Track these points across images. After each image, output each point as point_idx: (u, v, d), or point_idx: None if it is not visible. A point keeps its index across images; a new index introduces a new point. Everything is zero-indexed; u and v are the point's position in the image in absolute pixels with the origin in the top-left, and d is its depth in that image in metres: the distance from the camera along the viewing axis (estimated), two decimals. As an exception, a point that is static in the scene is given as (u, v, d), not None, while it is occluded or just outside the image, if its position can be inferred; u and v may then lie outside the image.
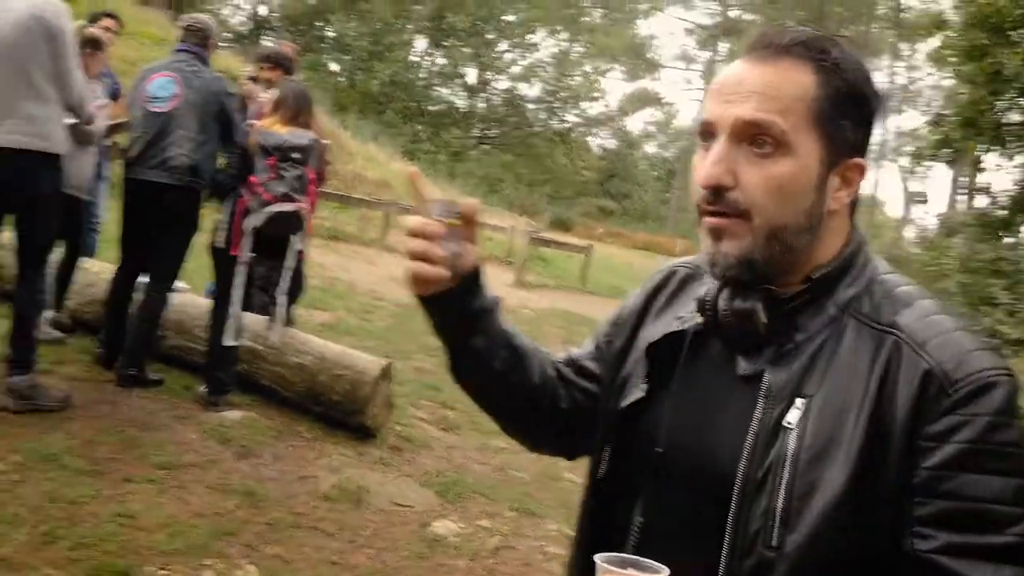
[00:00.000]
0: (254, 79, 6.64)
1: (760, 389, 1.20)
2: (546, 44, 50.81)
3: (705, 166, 1.20)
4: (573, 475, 5.82)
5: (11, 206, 4.72)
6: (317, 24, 49.00)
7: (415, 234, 1.30)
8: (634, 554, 1.19)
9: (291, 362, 5.72)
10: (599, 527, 1.39)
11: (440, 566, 4.23)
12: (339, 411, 5.61)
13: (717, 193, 1.19)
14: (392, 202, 18.94)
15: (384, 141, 29.43)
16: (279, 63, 6.40)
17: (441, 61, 50.85)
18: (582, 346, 1.59)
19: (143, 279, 5.67)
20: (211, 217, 5.65)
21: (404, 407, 6.43)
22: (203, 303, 6.01)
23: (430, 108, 50.44)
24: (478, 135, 50.94)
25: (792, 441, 1.15)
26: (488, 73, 48.87)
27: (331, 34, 46.39)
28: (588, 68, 52.15)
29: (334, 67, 46.97)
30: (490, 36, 48.54)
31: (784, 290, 1.23)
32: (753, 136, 1.18)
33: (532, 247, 19.84)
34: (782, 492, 1.14)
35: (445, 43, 49.12)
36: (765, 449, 1.17)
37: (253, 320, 5.79)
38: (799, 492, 1.13)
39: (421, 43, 51.22)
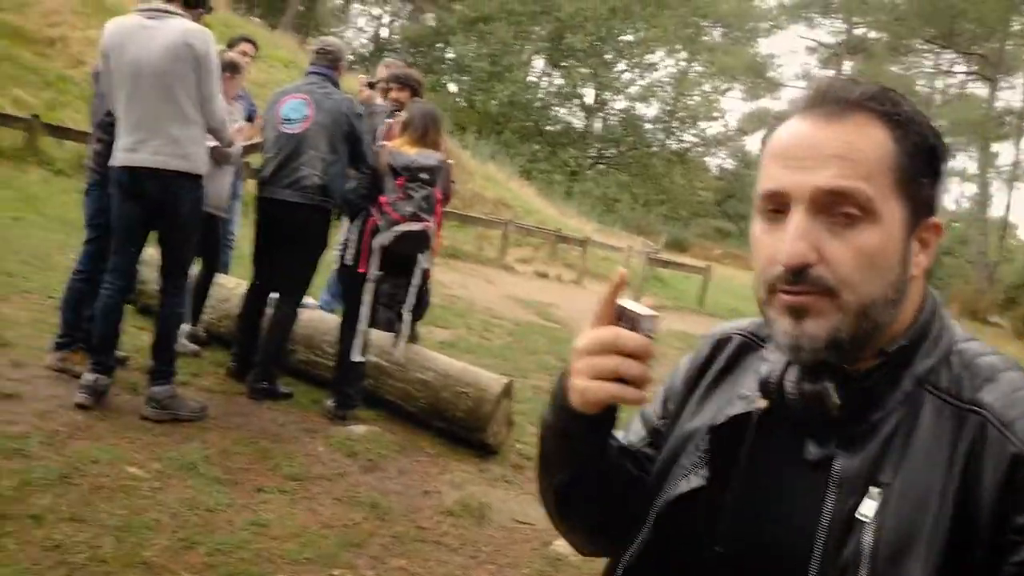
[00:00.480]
0: (371, 84, 6.78)
1: (831, 477, 1.09)
2: (665, 64, 50.59)
3: (788, 242, 1.06)
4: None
5: (156, 223, 4.94)
6: (437, 45, 49.84)
7: (609, 349, 1.11)
8: None
9: (415, 378, 5.82)
10: None
11: (561, 585, 4.24)
12: (461, 427, 5.69)
13: (800, 272, 1.06)
14: (509, 221, 19.09)
15: (502, 161, 29.69)
16: (407, 83, 6.53)
17: (559, 81, 51.07)
18: (629, 429, 1.42)
19: (274, 295, 5.86)
20: (338, 235, 5.80)
21: (523, 425, 6.46)
22: (331, 319, 6.17)
23: (547, 128, 50.69)
24: (595, 155, 50.90)
25: (869, 536, 1.03)
26: (606, 93, 48.82)
27: (450, 55, 47.11)
28: (707, 87, 51.68)
29: (453, 88, 47.63)
30: (608, 56, 48.51)
31: (856, 368, 1.11)
32: (834, 206, 1.06)
33: (650, 267, 19.73)
34: None
35: (563, 63, 49.32)
36: (838, 545, 1.05)
37: (379, 336, 5.92)
38: None
39: (539, 63, 51.59)
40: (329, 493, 4.53)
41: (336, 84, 5.91)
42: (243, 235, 7.29)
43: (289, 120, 5.64)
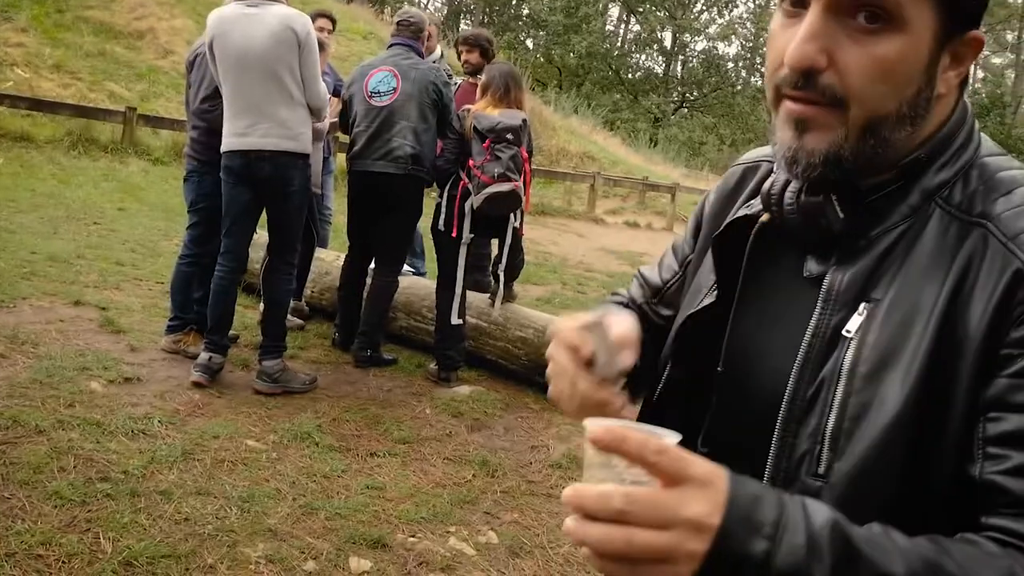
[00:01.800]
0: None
1: (820, 292, 1.03)
2: None
3: (796, 42, 0.96)
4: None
5: (267, 204, 5.11)
6: (512, 3, 49.54)
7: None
8: None
9: (515, 336, 5.90)
10: None
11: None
12: (563, 382, 5.73)
13: (808, 76, 0.96)
14: (596, 173, 19.00)
15: (584, 113, 29.46)
16: (477, 44, 6.54)
17: (636, 28, 50.38)
18: (662, 264, 1.38)
19: (372, 265, 5.98)
20: (432, 202, 5.88)
21: (625, 376, 6.49)
22: (428, 284, 6.28)
23: (628, 76, 50.08)
24: (678, 99, 50.13)
25: (849, 352, 0.98)
26: (685, 35, 47.92)
27: (526, 12, 46.77)
28: (789, 20, 50.39)
29: (530, 44, 47.35)
30: (685, -3, 47.67)
31: (866, 182, 1.04)
32: (858, 7, 0.94)
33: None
34: (834, 412, 0.98)
35: (639, 9, 48.58)
36: (819, 362, 1.00)
37: (475, 297, 6.01)
38: (852, 412, 0.97)
39: (615, 11, 50.93)
40: (439, 454, 4.65)
41: (420, 54, 5.97)
42: (337, 208, 7.43)
43: (378, 93, 5.71)
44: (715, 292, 1.14)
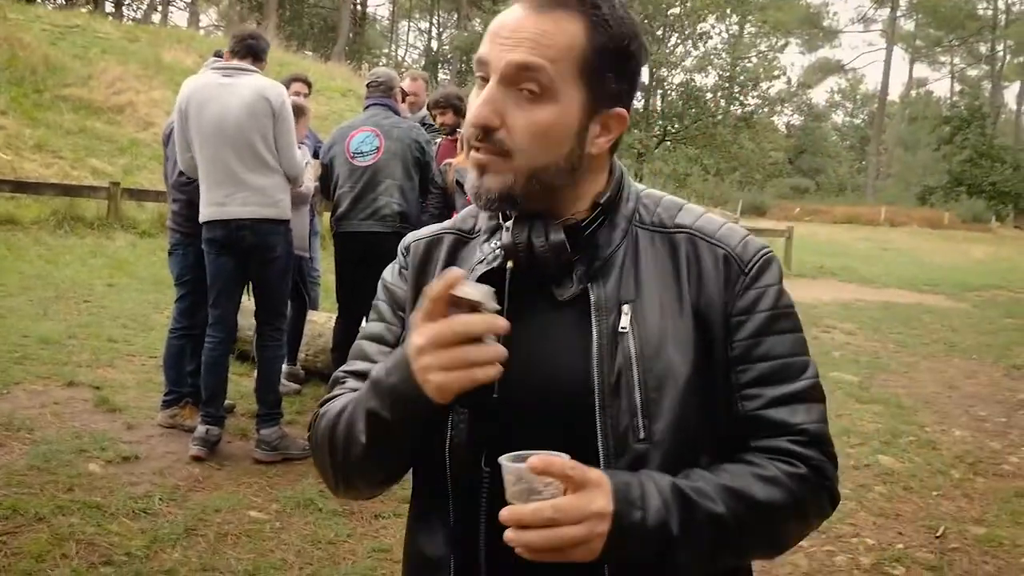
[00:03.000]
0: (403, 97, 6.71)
1: (590, 305, 1.28)
2: (717, 30, 49.78)
3: (476, 105, 1.24)
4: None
5: (250, 273, 5.11)
6: (487, 50, 49.97)
7: (458, 340, 1.13)
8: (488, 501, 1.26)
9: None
10: (451, 488, 1.32)
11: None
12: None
13: (486, 132, 1.23)
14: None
15: (568, 154, 29.62)
16: (448, 104, 6.56)
17: (613, 65, 50.80)
18: (356, 360, 1.46)
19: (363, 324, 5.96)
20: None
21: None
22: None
23: (608, 113, 50.39)
24: (659, 133, 50.41)
25: (632, 343, 1.25)
26: (662, 70, 48.33)
27: (502, 57, 47.14)
28: (763, 47, 50.80)
29: (509, 89, 47.66)
30: (659, 32, 48.08)
31: (575, 217, 1.31)
32: (521, 80, 1.21)
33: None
34: (637, 388, 1.24)
35: (614, 47, 49.04)
36: (611, 357, 1.25)
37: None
38: (652, 385, 1.24)
39: (591, 51, 51.33)
40: (444, 510, 4.60)
41: (396, 112, 6.00)
42: (325, 268, 7.43)
43: (360, 153, 5.72)
44: None
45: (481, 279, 1.28)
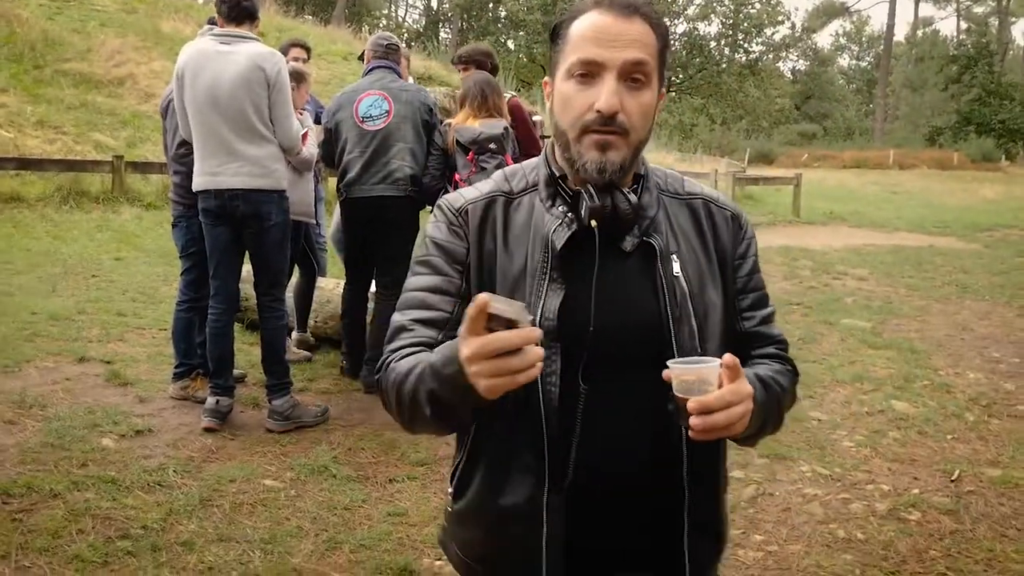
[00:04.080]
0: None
1: (655, 254, 1.59)
2: (718, -23, 49.26)
3: (607, 97, 1.51)
4: (819, 413, 5.72)
5: (247, 242, 5.07)
6: (489, 6, 49.55)
7: (499, 353, 1.28)
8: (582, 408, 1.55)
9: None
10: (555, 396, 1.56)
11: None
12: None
13: (612, 118, 1.52)
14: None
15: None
16: (472, 60, 6.43)
17: (615, 17, 50.34)
18: (421, 311, 1.63)
19: (372, 289, 5.95)
20: (426, 219, 5.84)
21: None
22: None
23: (611, 66, 50.01)
24: (665, 83, 50.21)
25: (684, 284, 1.60)
26: (664, 19, 47.94)
27: (503, 14, 46.77)
28: (766, -8, 50.19)
29: (511, 45, 47.33)
30: (660, -19, 47.55)
31: (623, 185, 1.61)
32: (632, 74, 1.53)
33: (738, 188, 19.43)
34: (693, 318, 1.59)
35: (616, -2, 48.54)
36: (673, 295, 1.58)
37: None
38: (701, 315, 1.60)
39: (592, 3, 50.86)
40: (458, 472, 4.60)
41: (399, 75, 5.93)
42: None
43: (370, 117, 5.67)
44: (562, 289, 1.56)
45: (569, 240, 1.57)
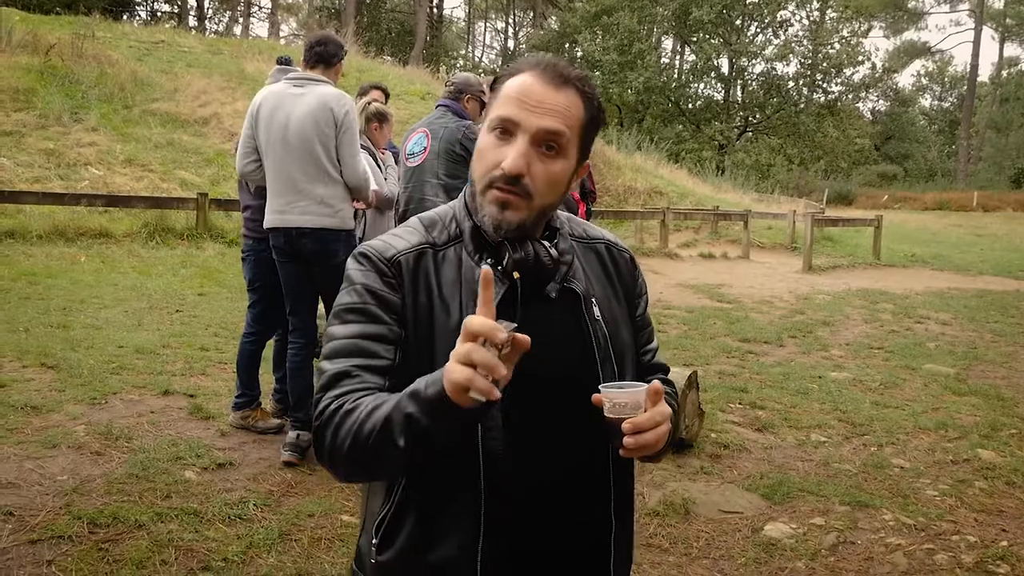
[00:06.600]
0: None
1: (578, 299, 1.70)
2: (797, 17, 48.96)
3: (514, 158, 1.57)
4: (902, 460, 5.58)
5: (315, 277, 5.17)
6: (564, 47, 49.87)
7: (480, 339, 1.34)
8: (505, 443, 1.58)
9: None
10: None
11: (780, 570, 4.16)
12: (652, 427, 5.66)
13: (516, 178, 1.57)
14: (666, 208, 18.91)
15: (648, 148, 29.41)
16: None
17: (691, 58, 50.37)
18: (363, 359, 1.60)
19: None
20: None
21: (714, 413, 6.41)
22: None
23: (688, 106, 49.97)
24: (741, 124, 49.82)
25: (604, 327, 1.72)
26: (742, 60, 47.69)
27: (579, 54, 47.03)
28: (846, 32, 49.75)
29: (587, 85, 47.44)
30: (738, 22, 47.46)
31: (537, 236, 1.69)
32: (545, 142, 1.59)
33: (817, 229, 19.19)
34: (613, 359, 1.71)
35: (693, 39, 48.57)
36: (596, 337, 1.69)
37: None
38: (619, 353, 1.74)
39: (669, 43, 51.00)
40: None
41: (459, 114, 6.01)
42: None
43: (412, 154, 5.77)
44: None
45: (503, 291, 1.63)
